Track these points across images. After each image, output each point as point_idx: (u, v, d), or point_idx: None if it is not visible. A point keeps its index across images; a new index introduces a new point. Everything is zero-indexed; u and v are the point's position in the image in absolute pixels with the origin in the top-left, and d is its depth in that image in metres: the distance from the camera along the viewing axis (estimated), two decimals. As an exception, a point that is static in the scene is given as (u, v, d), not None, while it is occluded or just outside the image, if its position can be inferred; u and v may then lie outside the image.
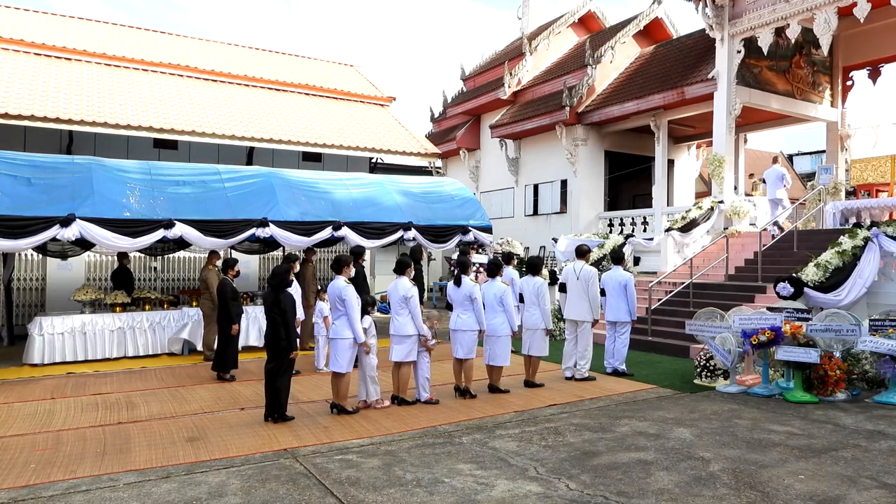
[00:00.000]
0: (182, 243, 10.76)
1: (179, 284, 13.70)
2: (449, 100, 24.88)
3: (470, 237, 12.56)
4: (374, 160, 17.50)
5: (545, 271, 12.37)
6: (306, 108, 17.07)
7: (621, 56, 19.27)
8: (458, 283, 7.47)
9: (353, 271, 7.16)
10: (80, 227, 8.89)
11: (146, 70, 15.99)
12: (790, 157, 34.69)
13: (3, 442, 5.75)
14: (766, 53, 14.04)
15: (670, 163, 19.30)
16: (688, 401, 7.51)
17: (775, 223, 13.52)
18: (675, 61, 17.15)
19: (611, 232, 17.48)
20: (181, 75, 16.35)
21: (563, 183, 19.12)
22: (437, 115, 25.76)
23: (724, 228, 14.08)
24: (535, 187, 20.34)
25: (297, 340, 6.80)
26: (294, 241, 10.73)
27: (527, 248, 17.29)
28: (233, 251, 11.56)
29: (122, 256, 11.45)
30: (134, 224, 9.36)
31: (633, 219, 17.51)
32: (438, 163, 23.64)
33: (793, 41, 14.43)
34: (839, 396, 7.50)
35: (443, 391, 7.60)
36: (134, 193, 9.74)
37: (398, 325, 7.00)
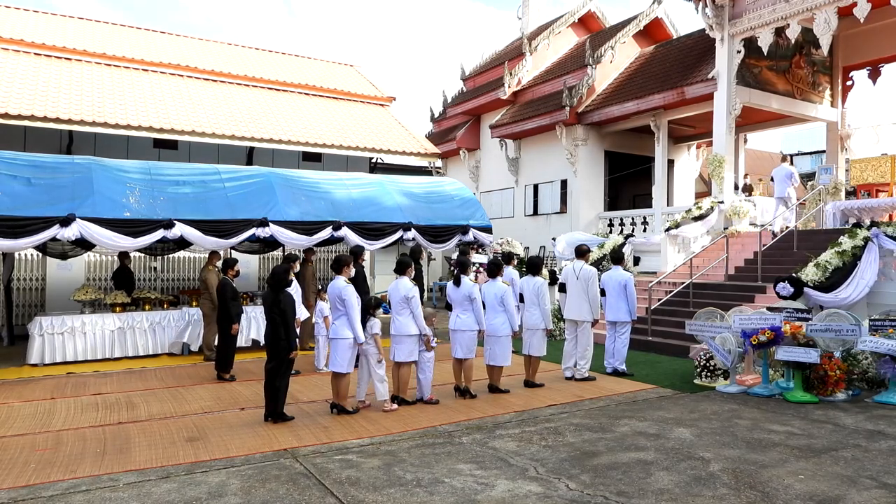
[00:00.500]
0: (182, 243, 10.76)
1: (179, 284, 13.70)
2: (449, 100, 24.88)
3: (470, 237, 12.56)
4: (374, 160, 17.50)
5: (545, 271, 12.37)
6: (306, 108, 17.07)
7: (621, 56, 19.27)
8: (457, 283, 7.47)
9: (352, 271, 7.16)
10: (81, 227, 8.90)
11: (146, 70, 15.99)
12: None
13: (3, 442, 5.75)
14: (766, 53, 14.05)
15: (670, 163, 19.30)
16: (688, 401, 7.51)
17: (769, 224, 13.54)
18: (675, 61, 17.15)
19: (611, 232, 17.48)
20: (181, 75, 16.35)
21: (563, 183, 19.12)
22: (436, 115, 25.76)
23: (724, 228, 14.08)
24: (535, 187, 20.34)
25: (297, 340, 6.80)
26: (294, 241, 10.73)
27: (527, 248, 17.29)
28: (233, 251, 11.56)
29: (124, 256, 11.46)
30: (134, 224, 9.35)
31: (633, 219, 17.51)
32: (438, 163, 23.65)
33: (793, 41, 14.43)
34: (839, 396, 7.50)
35: (443, 391, 7.60)
36: (134, 193, 9.74)
37: (399, 325, 7.00)
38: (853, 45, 15.90)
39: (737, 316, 8.25)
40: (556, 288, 9.80)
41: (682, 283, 12.27)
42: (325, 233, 10.83)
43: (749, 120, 16.95)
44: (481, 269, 12.12)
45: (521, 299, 8.36)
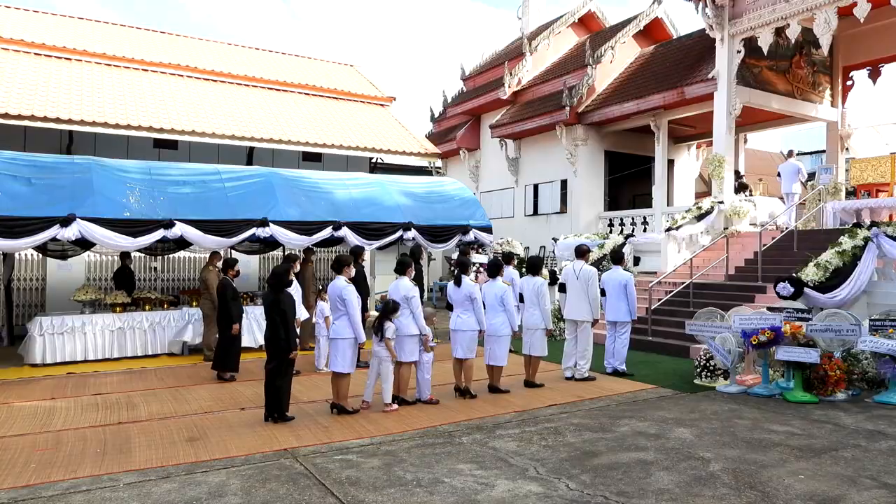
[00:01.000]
0: (182, 243, 10.76)
1: (179, 284, 13.70)
2: (449, 100, 24.88)
3: (470, 237, 12.56)
4: (374, 160, 17.49)
5: (545, 271, 12.37)
6: (306, 108, 17.07)
7: (621, 56, 19.26)
8: (458, 283, 7.48)
9: (353, 271, 7.16)
10: (81, 227, 8.89)
11: (146, 70, 15.97)
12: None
13: (4, 442, 5.75)
14: (766, 53, 14.04)
15: (670, 163, 19.29)
16: (688, 401, 7.51)
17: (772, 221, 13.57)
18: (674, 61, 17.14)
19: (611, 232, 17.47)
20: (181, 75, 16.34)
21: (563, 183, 19.12)
22: (437, 115, 25.75)
23: (724, 228, 14.08)
24: (535, 187, 20.34)
25: (297, 340, 6.80)
26: (294, 241, 10.73)
27: (527, 248, 17.28)
28: (233, 251, 11.56)
29: (124, 256, 11.46)
30: (134, 224, 9.35)
31: (633, 219, 17.51)
32: (438, 163, 23.61)
33: (793, 41, 14.42)
34: (839, 396, 7.50)
35: (443, 391, 7.60)
36: (134, 193, 9.74)
37: (400, 325, 6.99)
38: (853, 44, 15.90)
39: (737, 316, 8.25)
40: (556, 288, 9.80)
41: (683, 283, 12.27)
42: (326, 233, 10.83)
43: (749, 120, 16.94)
44: (481, 270, 12.12)
45: (521, 299, 8.37)
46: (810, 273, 9.78)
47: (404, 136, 17.57)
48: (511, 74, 20.82)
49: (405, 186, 12.86)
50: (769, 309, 9.08)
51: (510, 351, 7.98)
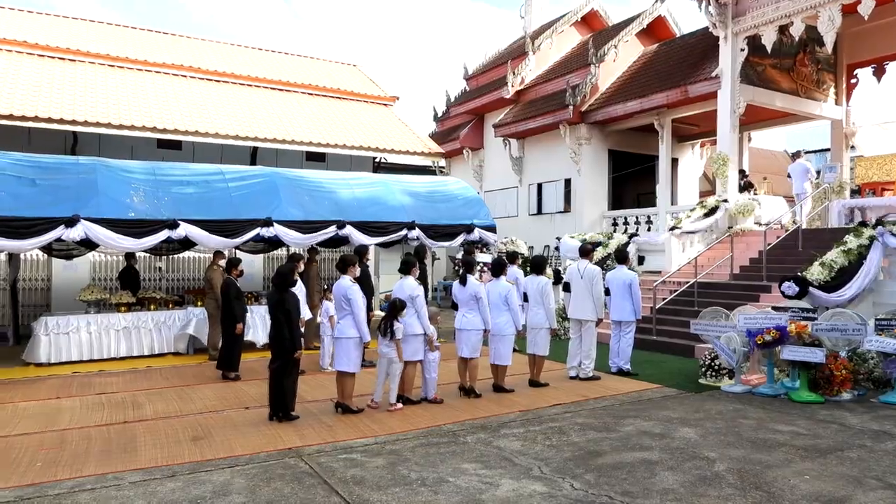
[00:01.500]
0: (187, 243, 10.78)
1: (184, 284, 13.73)
2: (452, 99, 24.85)
3: (474, 236, 12.55)
4: (377, 160, 17.49)
5: (549, 270, 12.36)
6: (309, 108, 17.08)
7: (624, 55, 19.21)
8: (463, 282, 7.48)
9: (358, 271, 7.16)
10: (85, 228, 8.92)
11: (149, 70, 16.01)
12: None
13: (10, 441, 5.78)
14: (769, 51, 14.00)
15: (674, 161, 19.25)
16: (693, 400, 7.49)
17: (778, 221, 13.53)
18: (678, 60, 17.10)
19: (615, 231, 17.44)
20: (184, 76, 16.37)
21: (567, 182, 19.09)
22: (440, 114, 25.73)
23: (729, 227, 14.04)
24: (539, 186, 20.32)
25: (302, 340, 6.81)
26: (298, 241, 10.74)
27: (531, 248, 17.26)
28: (237, 251, 11.59)
29: (130, 256, 11.49)
30: (138, 224, 9.38)
31: (637, 218, 17.47)
32: (442, 162, 23.57)
33: (797, 39, 14.35)
34: (845, 396, 7.47)
35: (447, 390, 7.60)
36: (138, 194, 9.76)
37: (404, 324, 6.98)
38: (857, 42, 15.83)
39: (742, 315, 8.23)
40: (561, 287, 9.79)
41: (687, 282, 12.24)
42: (329, 232, 10.83)
43: (753, 118, 16.88)
44: (486, 269, 12.11)
45: (526, 298, 8.36)
46: (815, 272, 9.74)
47: (408, 135, 17.57)
48: (514, 73, 20.79)
49: (409, 186, 12.86)
50: (774, 308, 9.05)
51: (514, 350, 7.98)
